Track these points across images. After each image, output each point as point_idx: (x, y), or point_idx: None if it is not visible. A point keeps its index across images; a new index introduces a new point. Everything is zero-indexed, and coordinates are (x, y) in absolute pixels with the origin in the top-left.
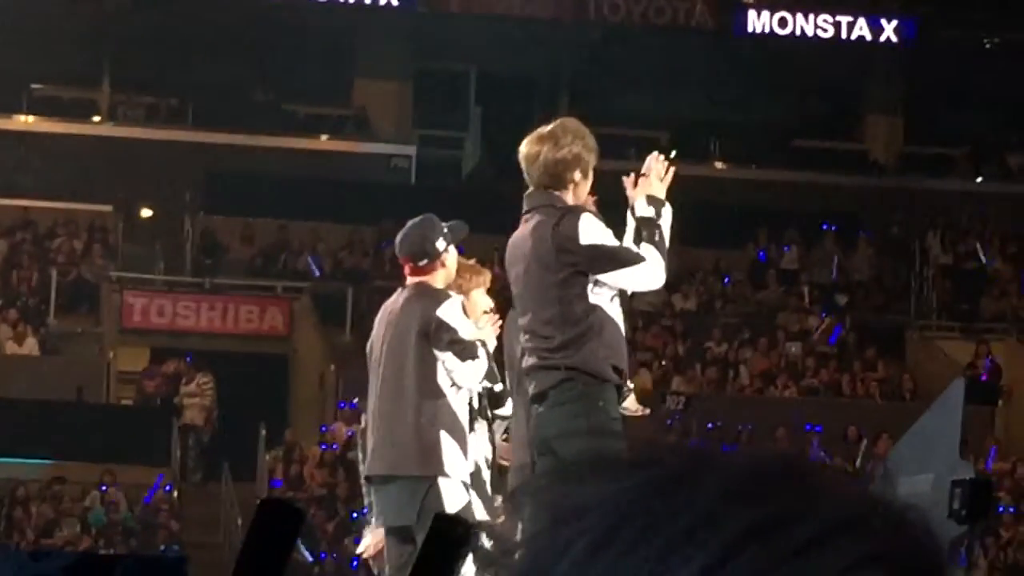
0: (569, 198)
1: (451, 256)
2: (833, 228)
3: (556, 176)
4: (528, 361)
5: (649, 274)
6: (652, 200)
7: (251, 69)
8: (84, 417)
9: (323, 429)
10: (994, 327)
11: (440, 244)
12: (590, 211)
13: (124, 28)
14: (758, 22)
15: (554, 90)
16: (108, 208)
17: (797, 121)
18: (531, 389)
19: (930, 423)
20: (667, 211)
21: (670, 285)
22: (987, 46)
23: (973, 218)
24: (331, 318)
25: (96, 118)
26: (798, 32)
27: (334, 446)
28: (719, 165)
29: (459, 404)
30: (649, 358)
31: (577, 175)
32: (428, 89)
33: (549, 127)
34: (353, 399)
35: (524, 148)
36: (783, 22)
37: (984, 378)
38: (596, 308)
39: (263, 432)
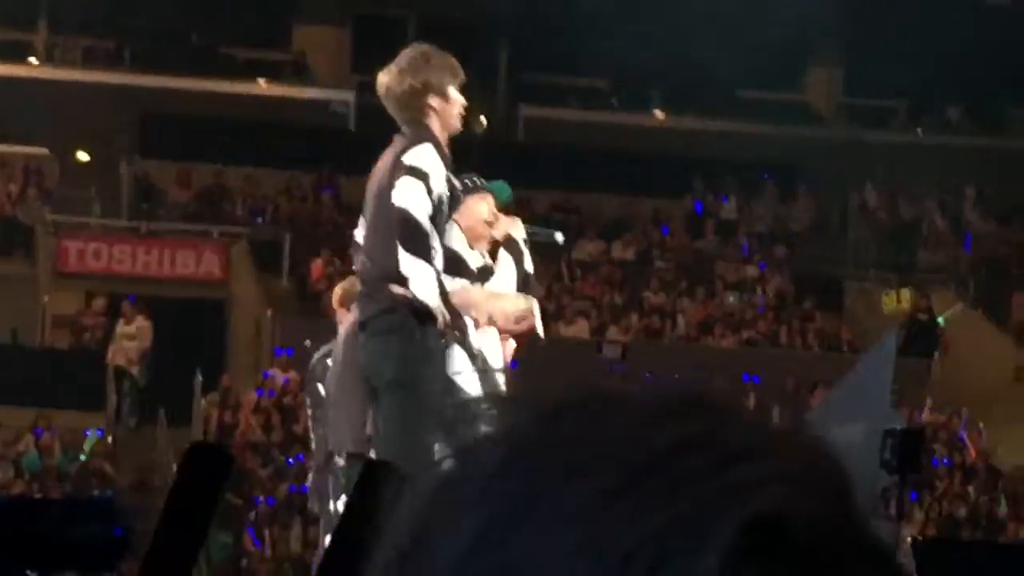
0: (435, 125)
1: None
2: (772, 179)
3: (409, 107)
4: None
5: (417, 279)
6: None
7: (189, 13)
8: (18, 361)
9: (265, 375)
10: (931, 278)
11: None
12: (432, 170)
13: None
14: None
15: (494, 35)
16: (44, 151)
17: (739, 71)
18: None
19: (862, 374)
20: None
21: (608, 234)
22: None
23: (912, 170)
24: (268, 264)
25: (32, 60)
26: None
27: (271, 392)
28: (659, 115)
29: None
30: (587, 307)
31: (433, 101)
32: (367, 34)
33: (396, 58)
34: (289, 346)
35: (378, 81)
36: None
37: (918, 329)
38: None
39: (199, 377)
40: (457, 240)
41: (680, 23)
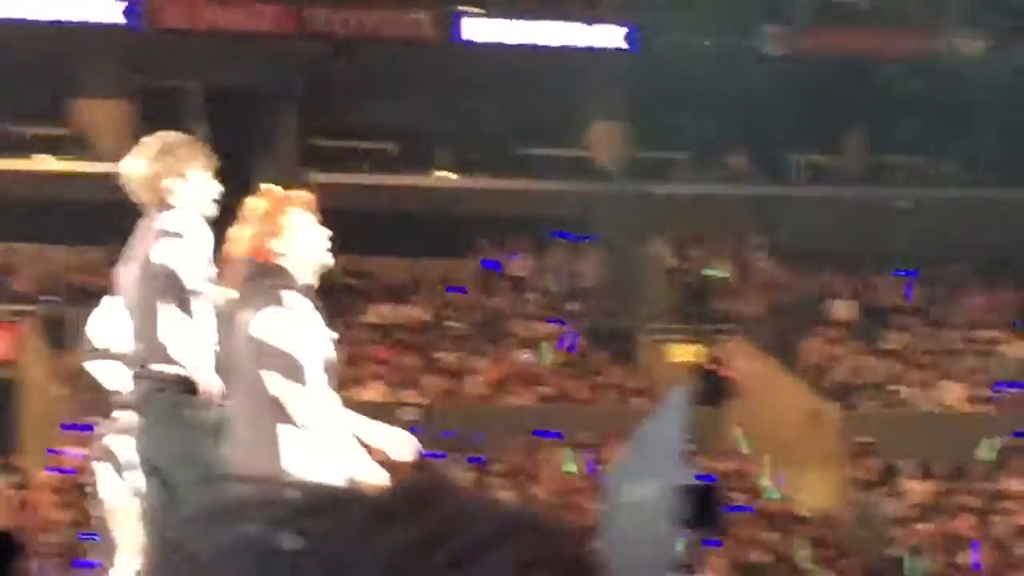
0: (178, 204)
1: None
2: (562, 235)
3: (152, 191)
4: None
5: (173, 346)
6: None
7: None
8: None
9: (52, 453)
10: (722, 328)
11: None
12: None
13: None
14: (479, 31)
15: (282, 104)
16: None
17: (522, 129)
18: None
19: (652, 431)
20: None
21: (400, 296)
22: (708, 48)
23: (699, 220)
24: (59, 341)
25: None
26: (521, 40)
27: (66, 471)
28: (445, 174)
29: None
30: (382, 371)
31: (170, 184)
32: (152, 106)
33: (142, 143)
34: (82, 421)
35: (123, 165)
36: (505, 30)
37: (712, 379)
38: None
39: None
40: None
41: (463, 84)
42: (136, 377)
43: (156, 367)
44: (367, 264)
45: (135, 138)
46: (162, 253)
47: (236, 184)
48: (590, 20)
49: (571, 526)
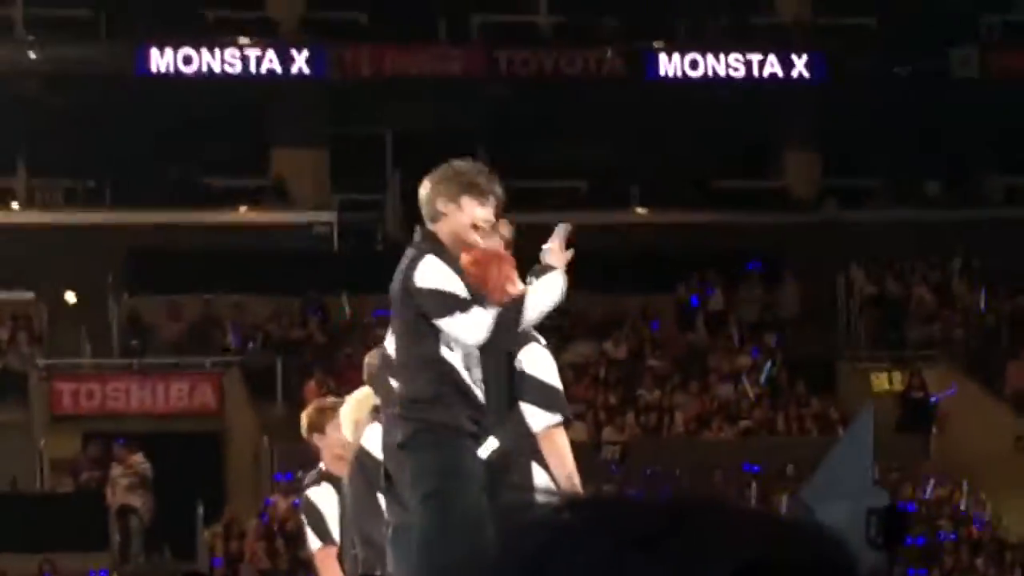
0: (443, 229)
1: None
2: (757, 267)
3: (426, 212)
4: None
5: (468, 328)
6: (543, 268)
7: (166, 146)
8: (20, 507)
9: (267, 502)
10: (922, 354)
11: None
12: (440, 254)
13: (37, 113)
14: (668, 66)
15: (471, 146)
16: (31, 295)
17: (715, 162)
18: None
19: (842, 452)
20: (548, 280)
21: (601, 333)
22: (899, 76)
23: (895, 247)
24: (262, 391)
25: (14, 205)
26: (710, 73)
27: (273, 519)
28: (640, 211)
29: None
30: (583, 410)
31: (441, 205)
32: (344, 154)
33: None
34: (288, 471)
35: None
36: (694, 64)
37: (914, 405)
38: (442, 359)
39: (200, 510)
40: None
41: (653, 119)
42: (402, 418)
43: (424, 413)
44: (566, 302)
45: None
46: (423, 275)
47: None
48: (778, 50)
49: (835, 535)
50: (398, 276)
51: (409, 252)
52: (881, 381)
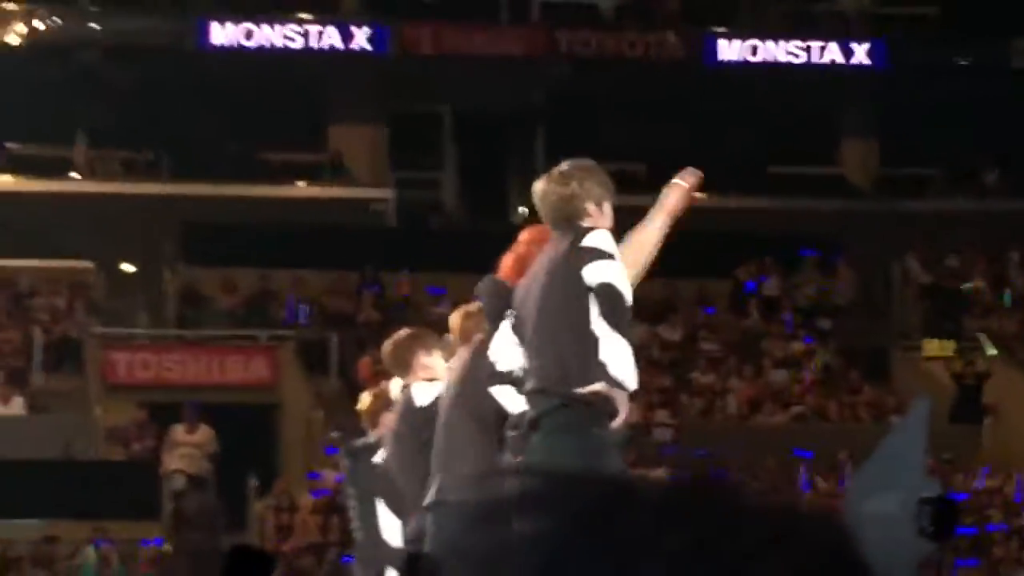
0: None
1: None
2: (813, 253)
3: (566, 212)
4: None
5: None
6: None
7: (224, 120)
8: (73, 474)
9: (316, 476)
10: (976, 345)
11: None
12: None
13: (97, 84)
14: (729, 51)
15: (529, 126)
16: (89, 264)
17: (773, 148)
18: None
19: (894, 442)
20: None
21: (655, 317)
22: (958, 65)
23: (952, 237)
24: (316, 365)
25: (74, 175)
26: (769, 59)
27: (325, 492)
28: (697, 195)
29: None
30: (636, 391)
31: (590, 207)
32: (403, 131)
33: (560, 167)
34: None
35: (535, 187)
36: (754, 50)
37: (968, 396)
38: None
39: (253, 481)
40: None
41: (712, 104)
42: (538, 393)
43: (578, 389)
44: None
45: (387, 163)
46: (602, 273)
47: (488, 205)
48: (839, 37)
49: (846, 523)
50: (560, 256)
51: (564, 236)
52: (935, 370)
